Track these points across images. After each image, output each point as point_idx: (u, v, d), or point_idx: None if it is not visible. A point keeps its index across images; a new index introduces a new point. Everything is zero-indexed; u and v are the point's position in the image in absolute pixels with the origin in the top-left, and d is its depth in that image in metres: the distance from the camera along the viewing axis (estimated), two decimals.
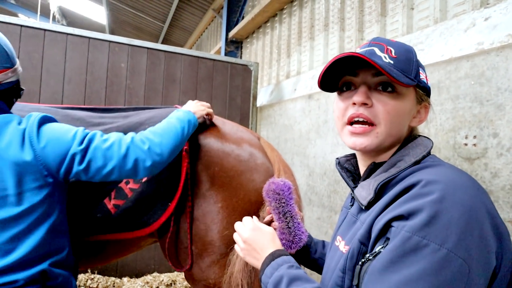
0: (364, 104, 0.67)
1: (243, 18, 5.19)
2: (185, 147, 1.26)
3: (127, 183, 1.22)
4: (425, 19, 2.03)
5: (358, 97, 0.67)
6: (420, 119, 0.73)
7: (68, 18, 11.34)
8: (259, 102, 3.85)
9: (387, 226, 0.56)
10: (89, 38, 2.58)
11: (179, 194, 1.23)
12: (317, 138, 2.61)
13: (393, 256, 0.50)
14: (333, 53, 2.96)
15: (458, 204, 0.50)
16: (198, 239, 1.25)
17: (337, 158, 0.84)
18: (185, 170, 1.25)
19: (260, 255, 0.79)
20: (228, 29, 5.42)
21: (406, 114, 0.68)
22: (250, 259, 0.83)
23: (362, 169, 0.78)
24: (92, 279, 2.52)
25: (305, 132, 2.79)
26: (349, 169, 0.82)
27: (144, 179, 1.22)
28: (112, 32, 11.19)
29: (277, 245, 0.82)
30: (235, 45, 5.48)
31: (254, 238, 0.82)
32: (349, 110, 0.70)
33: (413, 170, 0.63)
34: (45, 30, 2.44)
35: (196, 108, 1.30)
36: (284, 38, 3.88)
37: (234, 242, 1.22)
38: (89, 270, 2.60)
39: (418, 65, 0.71)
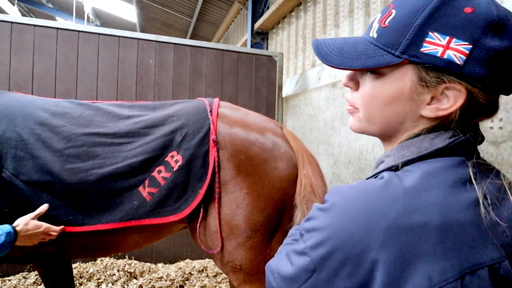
0: (349, 87, 0.64)
1: (268, 8, 5.16)
2: (213, 137, 1.32)
3: (159, 172, 1.31)
4: None
5: (343, 79, 0.63)
6: (439, 107, 0.50)
7: (101, 18, 11.90)
8: (285, 92, 3.85)
9: None
10: (119, 36, 2.72)
11: (208, 181, 1.30)
12: (341, 126, 2.58)
13: (288, 235, 0.68)
14: None
15: (331, 218, 0.51)
16: (225, 223, 1.32)
17: None
18: (213, 159, 1.31)
19: None
20: (254, 21, 5.42)
21: (391, 100, 0.54)
22: None
23: None
24: (130, 264, 2.71)
25: (329, 120, 2.76)
26: None
27: (176, 168, 1.30)
28: (142, 29, 11.59)
29: None
30: (261, 37, 5.48)
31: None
32: None
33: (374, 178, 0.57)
34: (78, 31, 2.60)
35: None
36: (309, 27, 3.83)
37: (259, 225, 1.30)
38: (126, 256, 2.80)
39: (426, 30, 0.48)
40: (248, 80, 3.14)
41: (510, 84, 0.49)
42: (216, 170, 1.32)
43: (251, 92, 3.16)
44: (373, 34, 0.55)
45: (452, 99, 0.49)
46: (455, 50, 0.47)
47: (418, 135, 0.53)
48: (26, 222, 1.14)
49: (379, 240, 0.45)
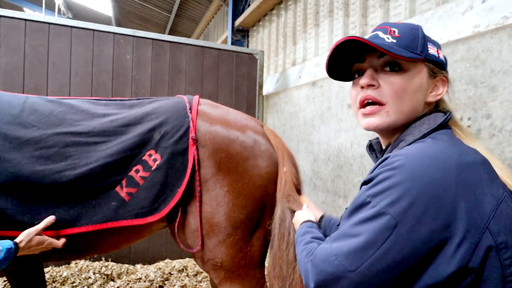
0: (371, 85, 0.71)
1: (249, 6, 5.14)
2: (192, 135, 1.30)
3: (137, 171, 1.28)
4: (428, 3, 2.00)
5: (363, 79, 0.72)
6: (437, 93, 0.72)
7: (74, 10, 11.40)
8: (265, 91, 3.85)
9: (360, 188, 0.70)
10: (94, 30, 2.61)
11: (186, 180, 1.28)
12: (321, 124, 2.62)
13: (351, 208, 0.66)
14: (338, 39, 2.93)
15: (406, 172, 0.58)
16: (206, 221, 1.31)
17: (369, 141, 0.89)
18: (192, 157, 1.29)
19: (299, 223, 1.02)
20: (234, 18, 5.38)
21: (416, 90, 0.69)
22: (296, 227, 1.07)
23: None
24: (106, 266, 2.62)
25: (309, 119, 2.80)
26: (377, 150, 0.87)
27: (154, 167, 1.28)
28: (118, 23, 11.21)
29: (312, 217, 1.04)
30: (241, 34, 5.45)
31: (299, 215, 1.09)
32: (359, 94, 0.74)
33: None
34: (49, 23, 2.47)
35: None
36: (290, 26, 3.85)
37: (239, 223, 1.30)
38: (103, 258, 2.71)
39: (426, 40, 0.71)
40: (229, 78, 3.12)
41: None
42: (196, 168, 1.30)
43: (231, 90, 3.14)
44: (391, 40, 0.70)
45: (442, 86, 0.73)
46: (441, 54, 0.74)
47: (421, 118, 0.71)
48: (29, 239, 1.12)
49: (454, 176, 0.57)
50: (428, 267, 0.55)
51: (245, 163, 1.35)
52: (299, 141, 2.97)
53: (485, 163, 0.62)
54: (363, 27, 2.60)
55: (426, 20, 1.85)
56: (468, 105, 1.46)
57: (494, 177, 0.62)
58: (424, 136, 0.67)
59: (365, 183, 0.66)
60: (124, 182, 1.26)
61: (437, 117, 0.70)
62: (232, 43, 5.36)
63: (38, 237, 1.13)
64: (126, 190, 1.26)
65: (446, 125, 0.70)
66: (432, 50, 0.71)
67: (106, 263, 2.65)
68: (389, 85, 0.69)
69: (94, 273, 2.50)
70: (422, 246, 0.55)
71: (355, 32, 2.70)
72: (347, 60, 0.78)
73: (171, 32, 9.75)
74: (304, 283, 0.70)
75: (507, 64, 1.30)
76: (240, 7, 5.42)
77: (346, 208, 0.72)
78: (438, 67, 0.72)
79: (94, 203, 1.24)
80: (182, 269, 2.71)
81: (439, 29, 1.70)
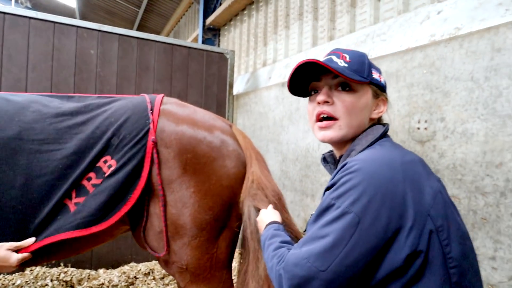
0: (326, 102, 0.82)
1: (220, 4, 5.09)
2: (152, 137, 1.25)
3: (89, 179, 1.20)
4: (390, 11, 2.11)
5: (320, 96, 0.83)
6: (379, 111, 0.87)
7: (33, 0, 10.69)
8: (236, 90, 3.84)
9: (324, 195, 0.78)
10: (54, 22, 2.47)
11: (141, 187, 1.22)
12: (289, 125, 2.67)
13: (317, 213, 0.73)
14: (307, 42, 2.99)
15: (363, 174, 0.66)
16: (170, 223, 1.27)
17: (322, 154, 1.00)
18: (149, 161, 1.24)
19: (265, 223, 1.06)
20: (206, 16, 5.31)
21: (364, 108, 0.82)
22: (260, 226, 1.10)
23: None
24: (66, 272, 2.47)
25: (278, 119, 2.83)
26: (331, 162, 0.98)
27: (107, 173, 1.20)
28: (83, 16, 10.66)
29: (278, 218, 1.08)
30: (212, 33, 5.39)
31: (264, 215, 1.13)
32: (316, 109, 0.85)
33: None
34: (4, 13, 2.31)
35: None
36: (261, 26, 3.87)
37: (205, 224, 1.27)
38: (61, 263, 2.56)
39: (371, 67, 0.85)
40: (199, 77, 3.07)
41: None
42: (158, 172, 1.25)
43: (201, 89, 3.10)
44: (344, 64, 0.81)
45: (382, 105, 0.87)
46: (382, 79, 0.88)
47: (366, 130, 0.84)
48: None
49: (401, 173, 0.67)
50: (387, 254, 0.64)
51: (212, 163, 1.33)
52: (268, 141, 3.00)
53: (421, 160, 0.75)
54: (331, 31, 2.68)
55: (389, 27, 1.95)
56: (425, 109, 1.56)
57: (430, 171, 0.74)
58: (371, 144, 0.78)
59: (327, 188, 0.74)
60: (73, 193, 1.18)
61: (379, 128, 0.83)
62: (203, 42, 5.29)
63: (4, 252, 1.06)
64: (75, 201, 1.17)
65: (386, 134, 0.83)
66: (375, 75, 0.85)
67: (65, 269, 2.51)
68: (341, 102, 0.81)
69: (51, 280, 2.35)
70: (383, 236, 0.63)
71: (323, 36, 2.77)
72: (305, 78, 0.88)
73: (139, 28, 9.44)
74: None
75: (458, 72, 1.41)
76: (212, 5, 5.36)
77: (311, 215, 0.78)
78: (380, 89, 0.86)
79: (41, 218, 1.14)
80: (148, 273, 2.63)
81: (400, 36, 1.80)
